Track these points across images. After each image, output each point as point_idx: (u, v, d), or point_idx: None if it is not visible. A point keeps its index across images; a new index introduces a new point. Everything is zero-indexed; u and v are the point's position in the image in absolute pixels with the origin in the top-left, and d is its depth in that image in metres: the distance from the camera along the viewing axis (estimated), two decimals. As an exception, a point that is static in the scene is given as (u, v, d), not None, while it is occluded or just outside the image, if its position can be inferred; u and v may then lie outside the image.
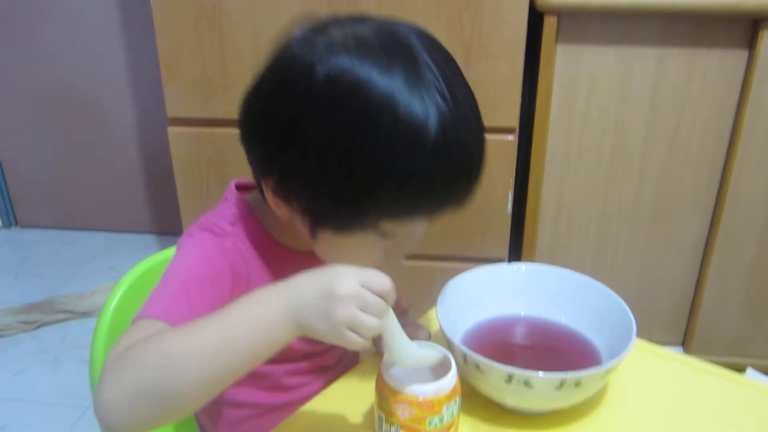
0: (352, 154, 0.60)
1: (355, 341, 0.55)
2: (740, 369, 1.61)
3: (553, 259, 1.61)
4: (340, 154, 0.60)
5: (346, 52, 0.60)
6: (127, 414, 0.54)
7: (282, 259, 0.74)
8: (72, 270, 2.26)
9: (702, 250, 1.58)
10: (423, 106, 0.59)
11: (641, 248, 1.59)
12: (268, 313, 0.55)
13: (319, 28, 0.64)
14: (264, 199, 0.70)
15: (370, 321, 0.55)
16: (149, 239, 2.46)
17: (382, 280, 0.56)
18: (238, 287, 0.69)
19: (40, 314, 1.97)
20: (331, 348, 0.83)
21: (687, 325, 1.66)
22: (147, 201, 2.46)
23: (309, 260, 0.73)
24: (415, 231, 0.68)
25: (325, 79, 0.60)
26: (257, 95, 0.67)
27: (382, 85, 0.58)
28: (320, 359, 0.83)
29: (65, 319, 1.98)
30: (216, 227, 0.71)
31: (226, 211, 0.74)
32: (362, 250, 0.67)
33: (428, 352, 0.64)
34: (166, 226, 2.46)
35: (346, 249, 0.67)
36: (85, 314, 1.99)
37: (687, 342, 1.67)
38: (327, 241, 0.68)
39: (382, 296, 0.56)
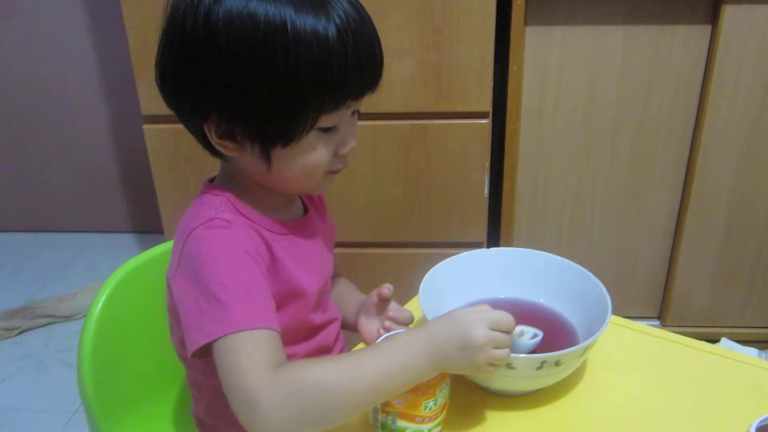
0: (268, 74, 0.66)
1: (491, 370, 0.66)
2: (715, 339, 1.66)
3: (530, 240, 1.64)
4: (260, 78, 0.66)
5: None
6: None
7: (275, 232, 0.77)
8: (51, 273, 2.24)
9: (674, 225, 1.62)
10: (320, 15, 0.66)
11: (616, 226, 1.62)
12: (419, 360, 0.64)
13: None
14: (223, 159, 0.76)
15: (502, 353, 0.65)
16: (129, 238, 2.45)
17: (507, 320, 0.66)
18: (264, 264, 0.73)
19: (21, 320, 1.95)
20: (330, 319, 0.87)
21: (662, 299, 1.70)
22: (125, 200, 2.44)
23: (295, 228, 0.79)
24: (351, 124, 0.75)
25: (223, 22, 0.66)
26: (164, 60, 0.72)
27: (265, 15, 0.65)
28: (321, 337, 0.85)
29: (47, 324, 1.96)
30: (216, 220, 0.72)
31: (212, 202, 0.75)
32: (313, 152, 0.73)
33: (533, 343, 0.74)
34: (146, 224, 2.45)
35: (300, 156, 0.72)
36: (67, 317, 1.98)
37: (663, 315, 1.71)
38: (281, 159, 0.72)
39: (508, 331, 0.66)
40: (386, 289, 0.82)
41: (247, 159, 0.73)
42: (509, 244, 1.63)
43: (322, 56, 0.66)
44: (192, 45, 0.68)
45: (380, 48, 0.73)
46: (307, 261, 0.80)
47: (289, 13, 0.65)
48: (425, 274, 0.80)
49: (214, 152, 0.75)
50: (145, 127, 1.50)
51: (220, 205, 0.74)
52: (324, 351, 0.86)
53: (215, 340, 0.64)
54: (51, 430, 1.60)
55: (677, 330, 1.65)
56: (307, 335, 0.83)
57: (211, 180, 0.80)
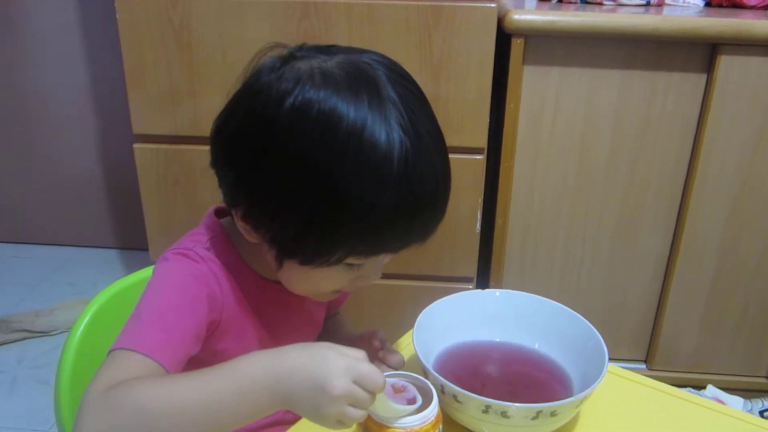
0: (318, 185, 0.61)
1: (339, 429, 0.57)
2: (701, 385, 1.65)
3: (520, 278, 1.63)
4: (305, 186, 0.61)
5: (312, 84, 0.61)
6: None
7: (256, 288, 0.74)
8: (29, 286, 2.20)
9: (663, 269, 1.62)
10: (386, 138, 0.60)
11: (606, 268, 1.62)
12: (256, 389, 0.55)
13: (287, 59, 0.65)
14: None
15: (357, 414, 0.56)
16: (111, 254, 2.41)
17: (375, 379, 0.56)
18: (213, 313, 0.70)
19: (-4, 333, 1.91)
20: None
21: (650, 342, 1.70)
22: (109, 215, 2.41)
23: (281, 290, 0.73)
24: (383, 260, 0.70)
25: (291, 111, 0.61)
26: (227, 122, 0.67)
27: (346, 117, 0.60)
28: None
29: (22, 339, 1.92)
30: (191, 252, 0.70)
31: (201, 236, 0.74)
32: (328, 280, 0.69)
33: (408, 408, 0.62)
34: (130, 240, 2.42)
35: (312, 279, 0.69)
36: (43, 333, 1.94)
37: (650, 359, 1.70)
38: (293, 271, 0.69)
39: (373, 392, 0.56)
40: (378, 341, 0.81)
41: (264, 248, 0.70)
42: (499, 281, 1.63)
43: (373, 195, 0.60)
44: (251, 125, 0.64)
45: (446, 191, 0.67)
46: (277, 326, 0.77)
47: (368, 122, 0.60)
48: (414, 306, 0.78)
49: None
50: (136, 146, 1.49)
51: (206, 242, 0.72)
52: None
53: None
54: (22, 450, 1.56)
55: (663, 374, 1.65)
56: None
57: (217, 212, 0.78)
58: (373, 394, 0.56)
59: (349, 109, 0.60)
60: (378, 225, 0.63)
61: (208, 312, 0.68)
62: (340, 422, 0.55)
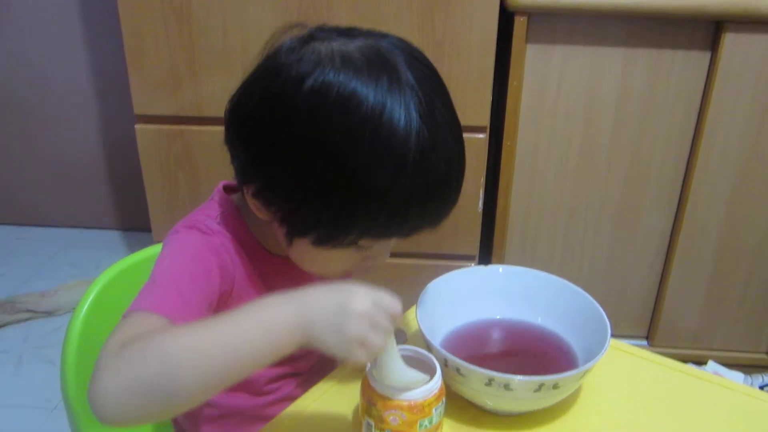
0: (334, 168, 0.61)
1: (360, 358, 0.56)
2: (702, 361, 1.66)
3: (522, 256, 1.64)
4: (322, 168, 0.61)
5: (332, 67, 0.61)
6: (124, 407, 0.53)
7: (265, 262, 0.75)
8: (34, 268, 2.21)
9: (666, 247, 1.62)
10: (404, 124, 0.60)
11: (608, 246, 1.63)
12: (278, 320, 0.55)
13: (307, 40, 0.65)
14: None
15: (378, 339, 0.56)
16: (114, 235, 2.42)
17: (394, 302, 0.57)
18: (225, 284, 0.70)
19: (1, 314, 1.92)
20: (310, 353, 0.84)
21: (651, 319, 1.71)
22: (111, 196, 2.41)
23: (290, 265, 0.73)
24: (390, 243, 0.71)
25: (310, 93, 0.61)
26: (243, 101, 0.67)
27: (365, 101, 0.60)
28: (298, 364, 0.83)
29: (27, 319, 1.93)
30: (202, 225, 0.71)
31: (211, 210, 0.74)
32: (337, 260, 0.70)
33: (417, 376, 0.64)
34: (132, 222, 2.42)
35: (321, 258, 0.69)
36: (48, 313, 1.95)
37: (651, 336, 1.71)
38: (303, 250, 0.69)
39: (392, 317, 0.57)
40: (403, 333, 0.81)
41: (274, 225, 0.70)
42: (501, 259, 1.63)
43: (389, 180, 0.60)
44: (269, 104, 0.64)
45: (459, 181, 0.66)
46: None
47: (387, 107, 0.59)
48: (416, 284, 0.79)
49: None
50: (137, 126, 1.49)
51: (217, 217, 0.73)
52: (299, 374, 0.85)
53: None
54: (29, 426, 1.57)
55: (665, 351, 1.66)
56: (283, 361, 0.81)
57: (227, 188, 0.78)
58: (392, 319, 0.57)
59: (368, 94, 0.60)
60: (392, 210, 0.63)
61: (221, 282, 0.69)
62: (363, 346, 0.55)
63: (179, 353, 0.53)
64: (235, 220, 0.73)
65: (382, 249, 0.71)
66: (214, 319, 0.56)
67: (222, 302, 0.71)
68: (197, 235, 0.70)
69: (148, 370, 0.53)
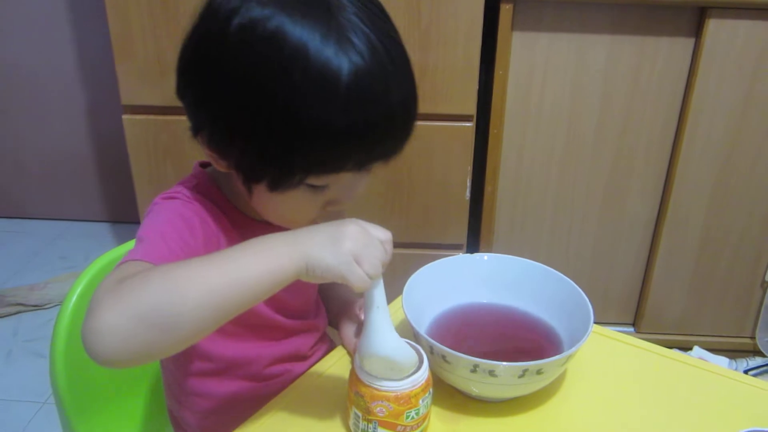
0: (267, 105, 0.61)
1: (359, 274, 0.58)
2: (687, 347, 1.68)
3: (509, 244, 1.65)
4: (256, 105, 0.61)
5: (257, 2, 0.61)
6: (125, 339, 0.52)
7: (244, 226, 0.75)
8: (22, 261, 2.20)
9: (651, 234, 1.64)
10: (336, 57, 0.59)
11: (594, 233, 1.64)
12: (276, 246, 0.58)
13: None
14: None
15: (374, 254, 0.59)
16: (103, 228, 2.41)
17: (383, 229, 0.61)
18: (209, 243, 0.70)
19: (-10, 307, 1.91)
20: (309, 328, 0.85)
21: (637, 306, 1.73)
22: (100, 188, 2.40)
23: (269, 228, 0.73)
24: (349, 184, 0.68)
25: (238, 30, 0.61)
26: (185, 45, 0.67)
27: (291, 35, 0.59)
28: (293, 343, 0.84)
29: (17, 312, 1.93)
30: (180, 194, 0.72)
31: (187, 182, 0.75)
32: (298, 205, 0.68)
33: (404, 345, 0.65)
34: (121, 214, 2.41)
35: (282, 204, 0.69)
36: (37, 306, 1.95)
37: (638, 322, 1.73)
38: (263, 198, 0.69)
39: (382, 243, 0.60)
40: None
41: (233, 176, 0.70)
42: (489, 247, 1.64)
43: (322, 110, 0.60)
44: (203, 44, 0.64)
45: (407, 108, 0.65)
46: None
47: (312, 45, 0.59)
48: (404, 273, 0.79)
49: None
50: (125, 117, 1.48)
51: (191, 186, 0.73)
52: (298, 357, 0.85)
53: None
54: (19, 420, 1.57)
55: (651, 337, 1.67)
56: (276, 336, 0.82)
57: (203, 163, 0.78)
58: (383, 243, 0.60)
59: (295, 28, 0.59)
60: (330, 143, 0.62)
61: (204, 239, 0.69)
62: (360, 262, 0.58)
63: (181, 280, 0.54)
64: (211, 187, 0.74)
65: (339, 190, 0.69)
66: (213, 254, 0.57)
67: None
68: (176, 203, 0.70)
69: (151, 295, 0.52)
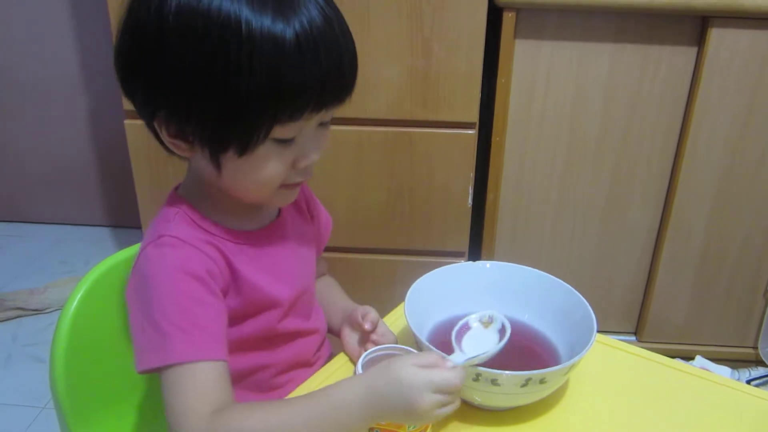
0: (218, 75, 0.63)
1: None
2: (689, 356, 1.68)
3: (511, 252, 1.64)
4: (208, 81, 0.63)
5: None
6: None
7: (235, 241, 0.75)
8: (22, 265, 2.20)
9: (653, 242, 1.64)
10: (279, 19, 0.62)
11: (596, 241, 1.64)
12: (351, 423, 0.63)
13: None
14: (177, 157, 0.72)
15: (449, 410, 0.64)
16: (104, 232, 2.41)
17: (452, 383, 0.63)
18: (221, 281, 0.71)
19: (-10, 312, 1.91)
20: (310, 330, 0.86)
21: (639, 314, 1.72)
22: (101, 193, 2.40)
23: (259, 236, 0.76)
24: (313, 135, 0.71)
25: (174, 14, 0.63)
26: (122, 38, 0.68)
27: (229, 9, 0.62)
28: (298, 347, 0.84)
29: (16, 317, 1.93)
30: (166, 237, 0.70)
31: (167, 214, 0.74)
32: (267, 164, 0.69)
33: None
34: (122, 219, 2.41)
35: (253, 170, 0.69)
36: (37, 311, 1.94)
37: (639, 331, 1.73)
38: (232, 166, 0.69)
39: (453, 392, 0.64)
40: (369, 324, 0.81)
41: (199, 161, 0.71)
42: (490, 255, 1.64)
43: (275, 62, 0.62)
44: (142, 36, 0.65)
45: (350, 59, 0.69)
46: (276, 269, 0.78)
47: (245, 13, 0.61)
48: (406, 281, 0.79)
49: (169, 150, 0.73)
50: (126, 122, 1.48)
51: (173, 218, 0.72)
52: (302, 363, 0.85)
53: (158, 368, 0.64)
54: (19, 425, 1.56)
55: (653, 346, 1.67)
56: (281, 343, 0.82)
57: (177, 188, 0.78)
58: (454, 394, 0.63)
59: (224, 4, 0.62)
60: (288, 94, 0.64)
61: (217, 285, 0.70)
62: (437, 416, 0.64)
63: None
64: (192, 212, 0.74)
65: (306, 145, 0.70)
66: (294, 410, 0.64)
67: (225, 293, 0.72)
68: (168, 253, 0.69)
69: None
